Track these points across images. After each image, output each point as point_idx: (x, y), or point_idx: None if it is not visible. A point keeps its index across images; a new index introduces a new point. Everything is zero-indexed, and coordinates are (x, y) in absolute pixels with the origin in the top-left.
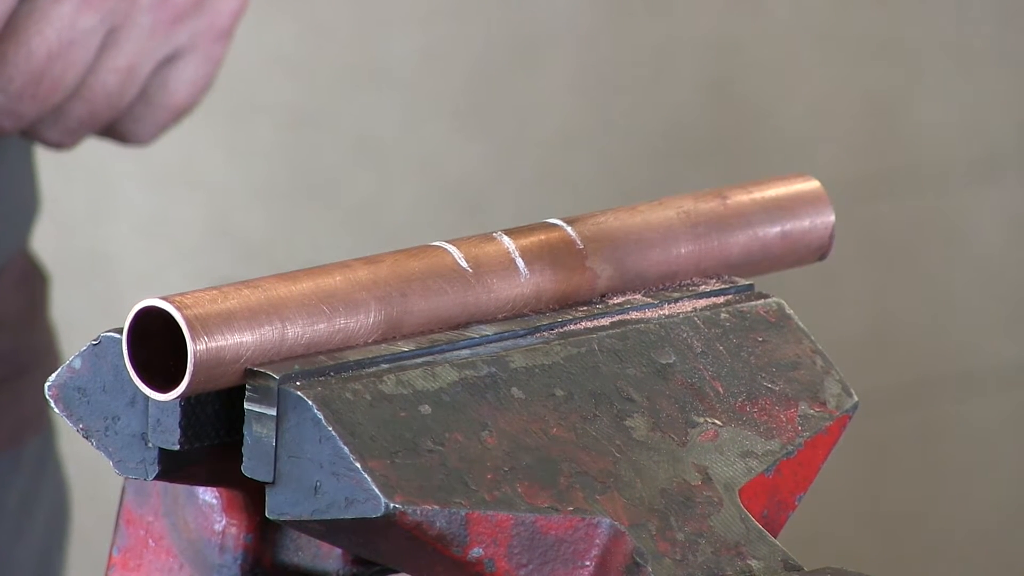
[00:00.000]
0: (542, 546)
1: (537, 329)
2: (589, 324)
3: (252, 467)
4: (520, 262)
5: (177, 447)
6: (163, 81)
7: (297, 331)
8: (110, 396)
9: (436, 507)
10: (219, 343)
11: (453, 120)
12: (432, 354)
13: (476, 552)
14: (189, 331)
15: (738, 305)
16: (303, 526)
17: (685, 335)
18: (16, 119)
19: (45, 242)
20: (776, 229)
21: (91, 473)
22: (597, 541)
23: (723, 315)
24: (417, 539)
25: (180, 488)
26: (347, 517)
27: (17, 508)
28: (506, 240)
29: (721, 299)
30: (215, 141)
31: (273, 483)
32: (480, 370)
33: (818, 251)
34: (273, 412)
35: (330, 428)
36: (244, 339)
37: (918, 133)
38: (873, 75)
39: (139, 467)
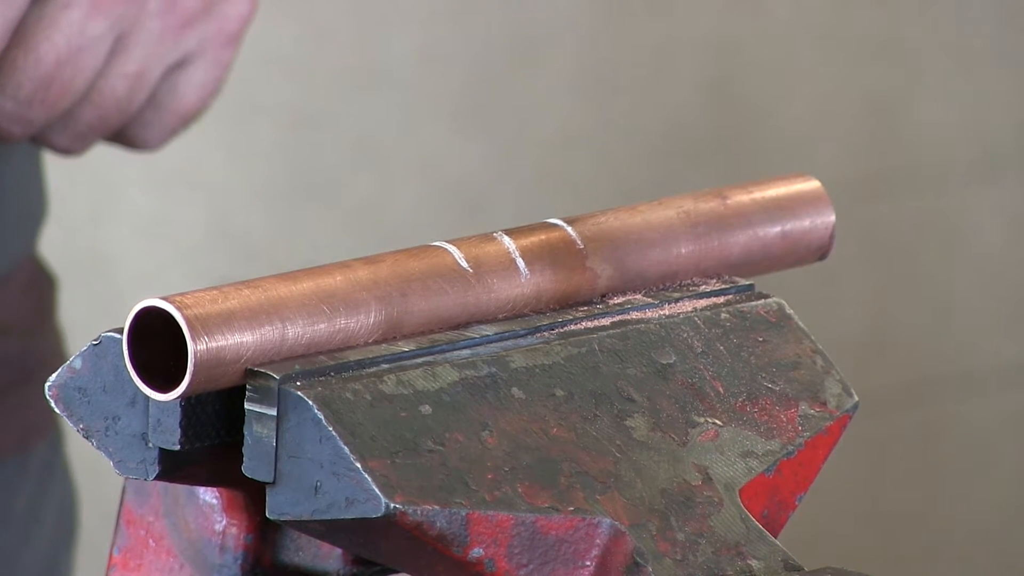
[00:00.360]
0: (542, 546)
1: (537, 329)
2: (589, 324)
3: (252, 467)
4: (520, 262)
5: (177, 447)
6: (172, 86)
7: (297, 331)
8: (110, 396)
9: (436, 507)
10: (219, 343)
11: (453, 120)
12: (432, 354)
13: (476, 552)
14: (189, 331)
15: (738, 305)
16: (303, 526)
17: (685, 335)
18: (25, 125)
19: (46, 243)
20: (776, 229)
21: (92, 473)
22: (597, 541)
23: (723, 315)
24: (417, 539)
25: (180, 488)
26: (347, 517)
27: (25, 512)
28: (506, 240)
29: (721, 299)
30: (215, 142)
31: (273, 483)
32: (480, 370)
33: (818, 251)
34: (273, 412)
35: (330, 428)
36: (244, 339)
37: (918, 133)
38: (873, 75)
39: (139, 467)
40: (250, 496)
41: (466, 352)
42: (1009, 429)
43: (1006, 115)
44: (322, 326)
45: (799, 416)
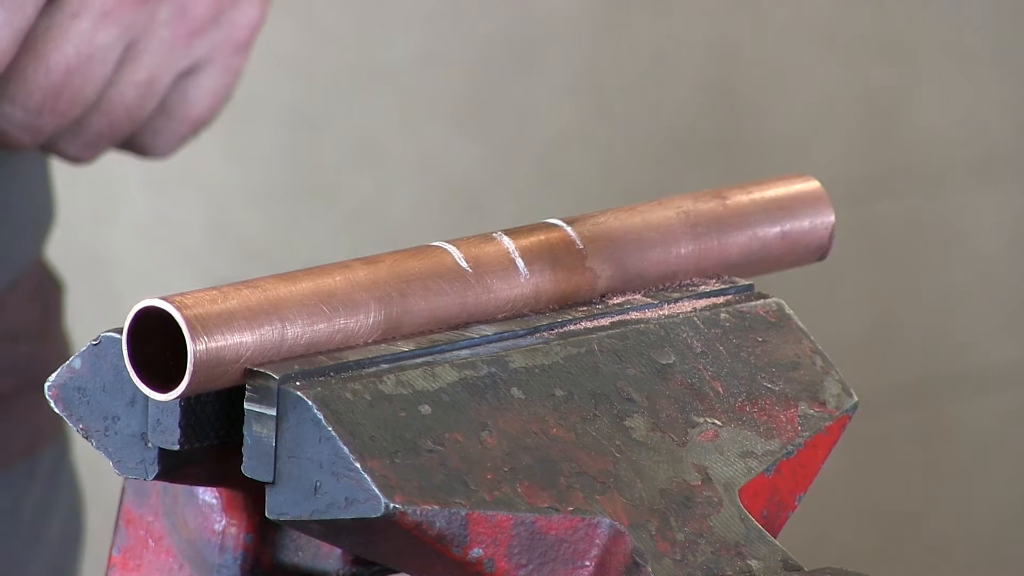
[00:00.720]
0: (542, 546)
1: (537, 329)
2: (589, 324)
3: (252, 467)
4: (520, 262)
5: (177, 447)
6: (182, 94)
7: (297, 331)
8: (110, 396)
9: (436, 507)
10: (219, 343)
11: (453, 120)
12: (432, 354)
13: (476, 552)
14: (189, 331)
15: (738, 305)
16: (303, 526)
17: (685, 335)
18: (35, 134)
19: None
20: (776, 229)
21: (94, 475)
22: (597, 541)
23: (723, 315)
24: (417, 539)
25: (180, 488)
26: (347, 517)
27: (32, 517)
28: (506, 240)
29: (721, 299)
30: (215, 142)
31: (273, 483)
32: (480, 370)
33: (818, 251)
34: (273, 412)
35: (330, 428)
36: (244, 339)
37: (918, 133)
38: (873, 75)
39: (139, 467)
40: (250, 496)
41: (465, 352)
42: (1009, 429)
43: (1005, 115)
44: (322, 326)
45: (799, 416)
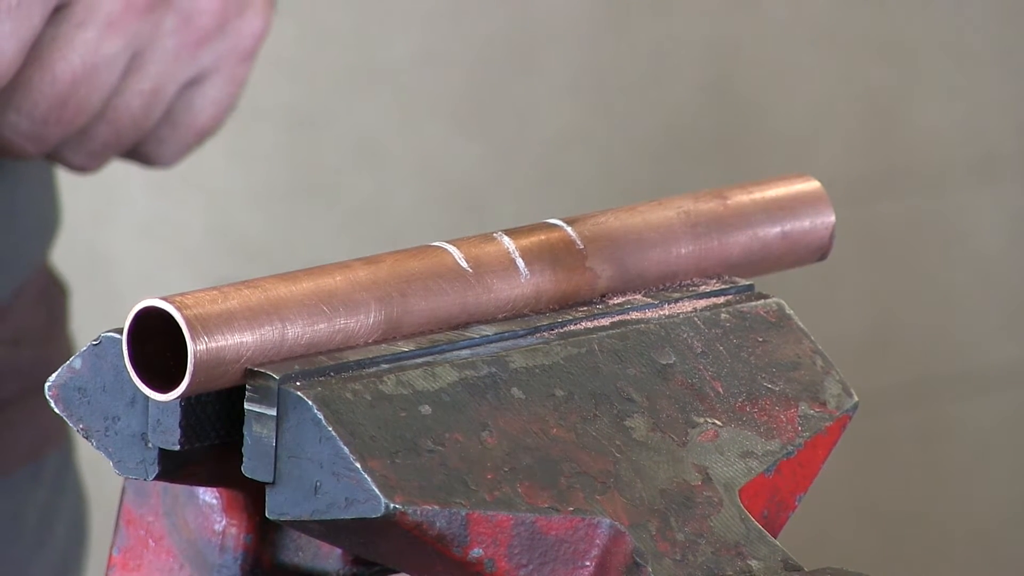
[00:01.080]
0: (542, 546)
1: (537, 329)
2: (589, 324)
3: (252, 467)
4: (520, 262)
5: (177, 447)
6: (187, 103)
7: (297, 331)
8: (110, 396)
9: (436, 507)
10: (219, 343)
11: (453, 121)
12: (432, 354)
13: (476, 552)
14: (189, 331)
15: (738, 305)
16: (303, 526)
17: (685, 335)
18: (41, 143)
19: None
20: (776, 229)
21: (96, 477)
22: (597, 541)
23: (723, 315)
24: (417, 539)
25: (180, 488)
26: (347, 517)
27: (37, 521)
28: (506, 240)
29: (721, 299)
30: (215, 143)
31: (273, 483)
32: (480, 370)
33: (818, 251)
34: (273, 412)
35: (330, 428)
36: (244, 339)
37: (918, 133)
38: (873, 75)
39: (139, 467)
40: (250, 496)
41: (466, 352)
42: (1009, 429)
43: (1005, 115)
44: (322, 326)
45: (799, 416)
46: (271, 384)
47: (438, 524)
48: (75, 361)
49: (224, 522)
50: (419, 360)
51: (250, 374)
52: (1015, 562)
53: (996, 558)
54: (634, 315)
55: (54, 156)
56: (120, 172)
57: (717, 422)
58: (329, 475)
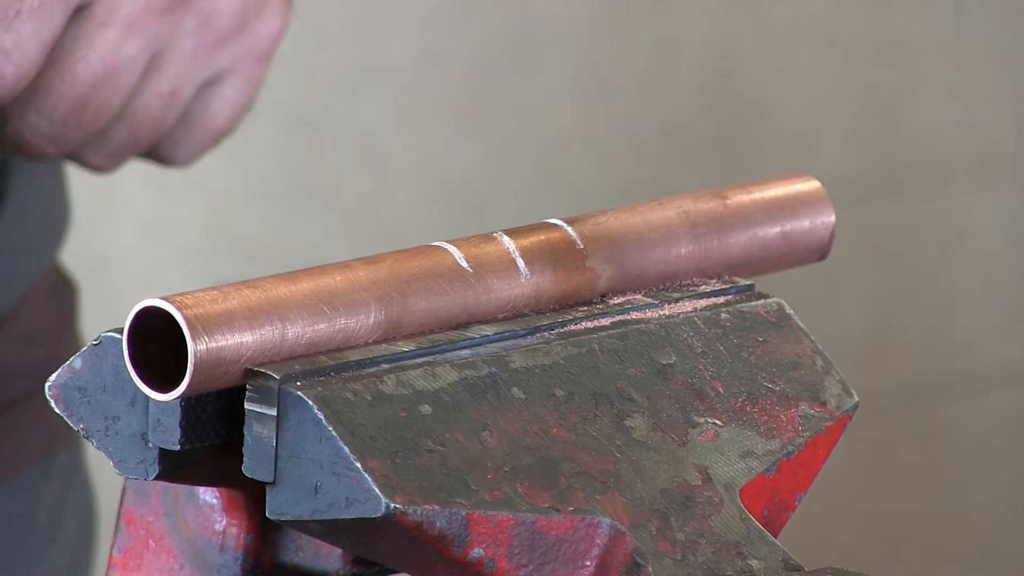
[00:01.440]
0: (542, 546)
1: (537, 329)
2: (589, 324)
3: (252, 467)
4: (520, 262)
5: (177, 447)
6: (205, 104)
7: (297, 331)
8: (110, 396)
9: (436, 507)
10: (219, 343)
11: (453, 120)
12: (432, 354)
13: (476, 552)
14: (189, 331)
15: (738, 305)
16: (303, 526)
17: (685, 335)
18: (60, 144)
19: None
20: (776, 229)
21: (105, 475)
22: (597, 541)
23: (723, 315)
24: (417, 539)
25: (180, 488)
26: (347, 517)
27: (48, 518)
28: (506, 240)
29: (721, 299)
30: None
31: (273, 483)
32: (480, 370)
33: (818, 251)
34: (273, 412)
35: (330, 428)
36: (244, 339)
37: (918, 133)
38: (873, 75)
39: (139, 467)
40: (250, 496)
41: (466, 352)
42: (1009, 429)
43: (1005, 115)
44: (322, 326)
45: (799, 416)
46: (271, 384)
47: (438, 524)
48: (75, 361)
49: (224, 522)
50: (419, 360)
51: (250, 374)
52: (1015, 562)
53: (996, 558)
54: (634, 315)
55: (72, 157)
56: (120, 171)
57: (717, 422)
58: (329, 475)
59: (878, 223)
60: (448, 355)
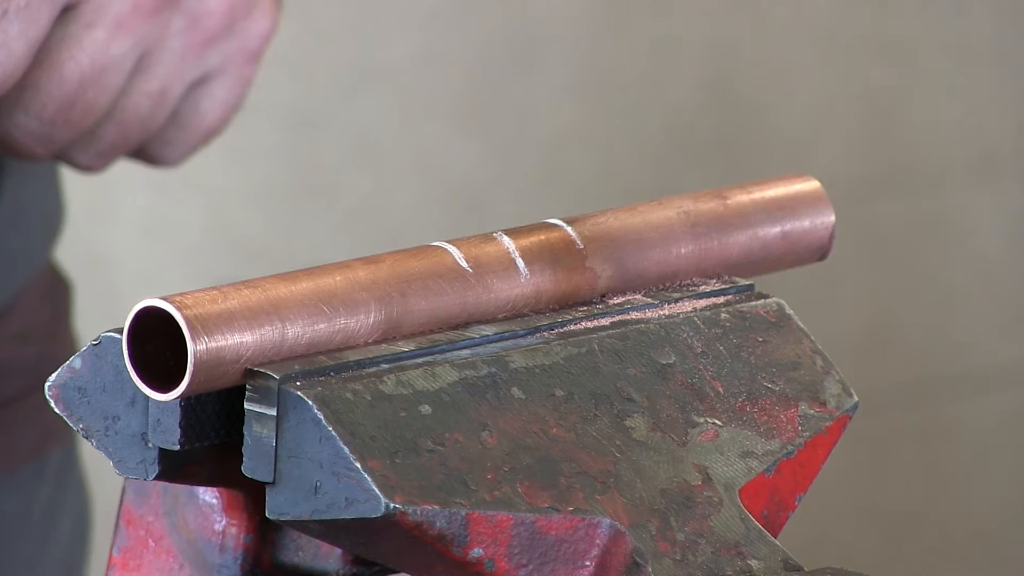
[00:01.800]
0: (542, 546)
1: (537, 329)
2: (589, 324)
3: (252, 467)
4: (520, 262)
5: (177, 447)
6: (194, 104)
7: (297, 331)
8: (110, 396)
9: (436, 507)
10: (219, 343)
11: (453, 120)
12: (432, 354)
13: (476, 552)
14: (189, 331)
15: (738, 305)
16: (303, 526)
17: (685, 335)
18: (49, 144)
19: None
20: (776, 229)
21: (100, 474)
22: (597, 541)
23: (723, 315)
24: (417, 539)
25: (180, 488)
26: (347, 517)
27: (42, 518)
28: (506, 240)
29: (721, 299)
30: (215, 142)
31: (273, 483)
32: (480, 370)
33: (818, 251)
34: (273, 412)
35: (330, 428)
36: (244, 339)
37: (918, 133)
38: (873, 75)
39: (139, 467)
40: (250, 496)
41: (466, 352)
42: (1009, 429)
43: (1005, 115)
44: (322, 326)
45: (799, 416)
46: (271, 384)
47: (438, 524)
48: (75, 361)
49: (224, 522)
50: (419, 360)
51: (250, 374)
52: (1015, 562)
53: (996, 558)
54: (634, 315)
55: (61, 156)
56: (120, 171)
57: (717, 422)
58: (329, 475)
59: (878, 223)
60: (448, 355)
